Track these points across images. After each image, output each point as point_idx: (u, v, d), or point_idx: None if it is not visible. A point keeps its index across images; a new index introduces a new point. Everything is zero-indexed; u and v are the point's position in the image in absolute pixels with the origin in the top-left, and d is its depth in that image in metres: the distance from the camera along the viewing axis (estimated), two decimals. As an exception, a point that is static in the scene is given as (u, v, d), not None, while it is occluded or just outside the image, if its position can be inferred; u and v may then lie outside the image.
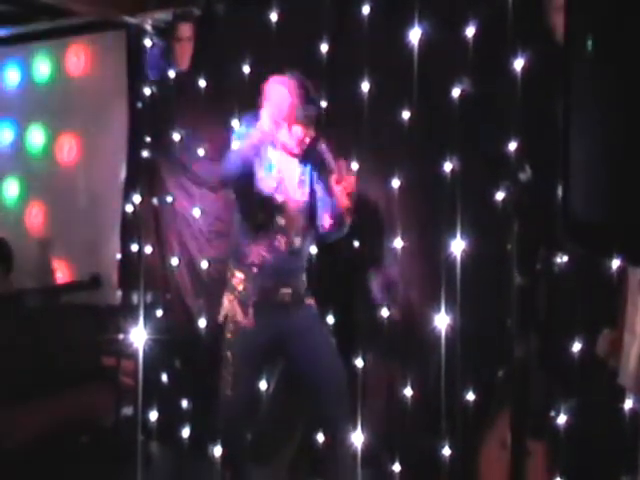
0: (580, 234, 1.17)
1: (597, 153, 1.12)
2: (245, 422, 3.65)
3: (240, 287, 3.58)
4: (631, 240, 1.08)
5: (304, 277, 3.69)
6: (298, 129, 3.54)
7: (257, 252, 3.54)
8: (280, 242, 3.54)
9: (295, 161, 3.64)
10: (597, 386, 3.33)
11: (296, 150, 3.59)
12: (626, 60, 1.04)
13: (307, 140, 3.57)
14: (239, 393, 3.58)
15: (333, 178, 3.45)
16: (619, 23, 1.05)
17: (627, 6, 1.04)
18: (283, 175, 3.58)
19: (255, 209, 3.52)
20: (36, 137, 6.14)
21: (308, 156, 3.63)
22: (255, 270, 3.54)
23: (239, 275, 3.58)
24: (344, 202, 3.45)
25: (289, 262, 3.58)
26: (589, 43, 1.10)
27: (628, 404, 3.33)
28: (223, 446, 3.74)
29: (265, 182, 3.52)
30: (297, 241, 3.59)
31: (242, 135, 3.53)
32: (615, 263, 3.17)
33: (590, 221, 1.13)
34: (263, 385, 4.13)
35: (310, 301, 3.69)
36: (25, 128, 6.19)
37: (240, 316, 3.55)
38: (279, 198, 3.54)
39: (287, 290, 3.58)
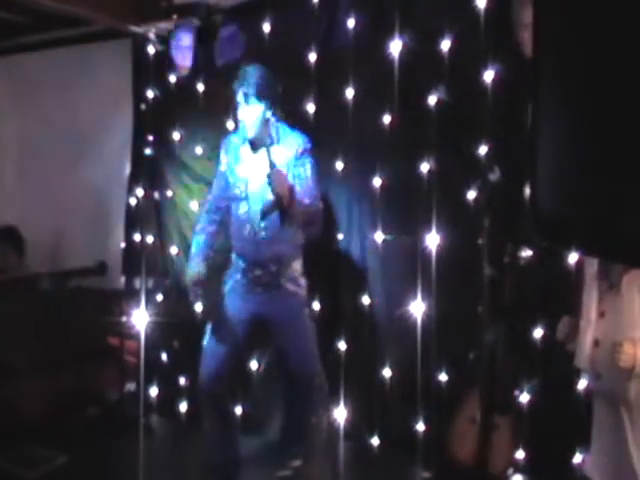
0: (546, 229, 1.18)
1: (562, 156, 1.14)
2: (221, 378, 3.71)
3: (231, 266, 3.76)
4: (589, 235, 1.10)
5: (292, 263, 3.69)
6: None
7: (241, 243, 3.67)
8: (259, 234, 3.60)
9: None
10: (556, 367, 3.37)
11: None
12: (588, 72, 1.08)
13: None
14: (218, 348, 3.72)
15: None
16: (582, 40, 1.08)
17: (589, 24, 1.07)
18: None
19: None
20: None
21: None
22: (241, 254, 3.68)
23: (232, 256, 3.76)
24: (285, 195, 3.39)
25: (268, 251, 3.62)
26: (554, 57, 1.13)
27: (583, 384, 3.38)
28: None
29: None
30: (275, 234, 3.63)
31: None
32: (573, 257, 3.22)
33: (555, 218, 1.15)
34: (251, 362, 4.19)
35: (293, 288, 3.69)
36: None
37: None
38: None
39: (260, 271, 3.65)
